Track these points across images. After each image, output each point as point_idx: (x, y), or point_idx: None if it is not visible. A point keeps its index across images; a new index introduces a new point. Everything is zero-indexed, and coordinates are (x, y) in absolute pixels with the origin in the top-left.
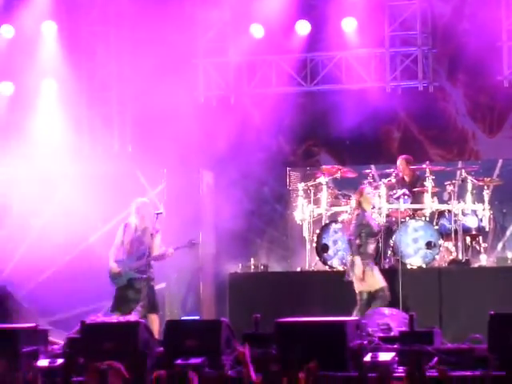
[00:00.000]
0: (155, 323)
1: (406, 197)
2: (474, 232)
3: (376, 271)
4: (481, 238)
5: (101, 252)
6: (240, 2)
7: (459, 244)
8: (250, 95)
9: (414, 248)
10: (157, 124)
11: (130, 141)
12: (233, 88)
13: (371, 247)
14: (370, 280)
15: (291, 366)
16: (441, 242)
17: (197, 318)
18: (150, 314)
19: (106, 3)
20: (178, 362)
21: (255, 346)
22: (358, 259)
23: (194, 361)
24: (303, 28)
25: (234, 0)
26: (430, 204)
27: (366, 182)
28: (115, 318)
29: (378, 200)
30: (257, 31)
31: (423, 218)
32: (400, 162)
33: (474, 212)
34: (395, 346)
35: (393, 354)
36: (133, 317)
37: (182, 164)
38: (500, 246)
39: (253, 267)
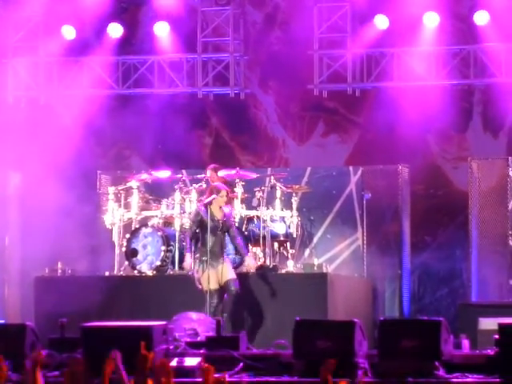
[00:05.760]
0: None
1: None
2: (281, 238)
3: None
4: (288, 244)
5: None
6: (52, 3)
7: (267, 250)
8: (61, 96)
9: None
10: None
11: None
12: (43, 89)
13: None
14: None
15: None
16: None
17: (1, 321)
18: None
19: None
20: None
21: (61, 350)
22: None
23: None
24: (115, 31)
25: (46, 0)
26: (239, 210)
27: (177, 186)
28: None
29: (189, 205)
30: (68, 32)
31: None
32: (209, 172)
33: (282, 218)
34: (202, 351)
35: (199, 359)
36: None
37: None
38: (307, 252)
39: (60, 271)
